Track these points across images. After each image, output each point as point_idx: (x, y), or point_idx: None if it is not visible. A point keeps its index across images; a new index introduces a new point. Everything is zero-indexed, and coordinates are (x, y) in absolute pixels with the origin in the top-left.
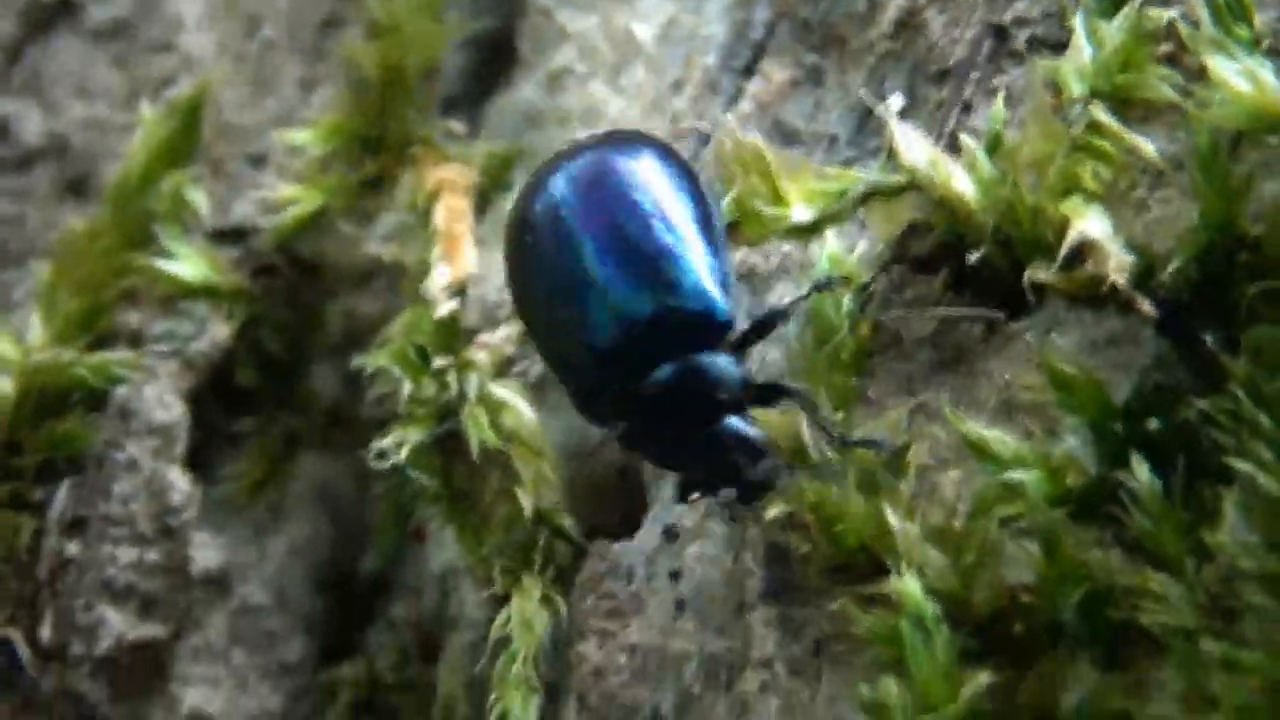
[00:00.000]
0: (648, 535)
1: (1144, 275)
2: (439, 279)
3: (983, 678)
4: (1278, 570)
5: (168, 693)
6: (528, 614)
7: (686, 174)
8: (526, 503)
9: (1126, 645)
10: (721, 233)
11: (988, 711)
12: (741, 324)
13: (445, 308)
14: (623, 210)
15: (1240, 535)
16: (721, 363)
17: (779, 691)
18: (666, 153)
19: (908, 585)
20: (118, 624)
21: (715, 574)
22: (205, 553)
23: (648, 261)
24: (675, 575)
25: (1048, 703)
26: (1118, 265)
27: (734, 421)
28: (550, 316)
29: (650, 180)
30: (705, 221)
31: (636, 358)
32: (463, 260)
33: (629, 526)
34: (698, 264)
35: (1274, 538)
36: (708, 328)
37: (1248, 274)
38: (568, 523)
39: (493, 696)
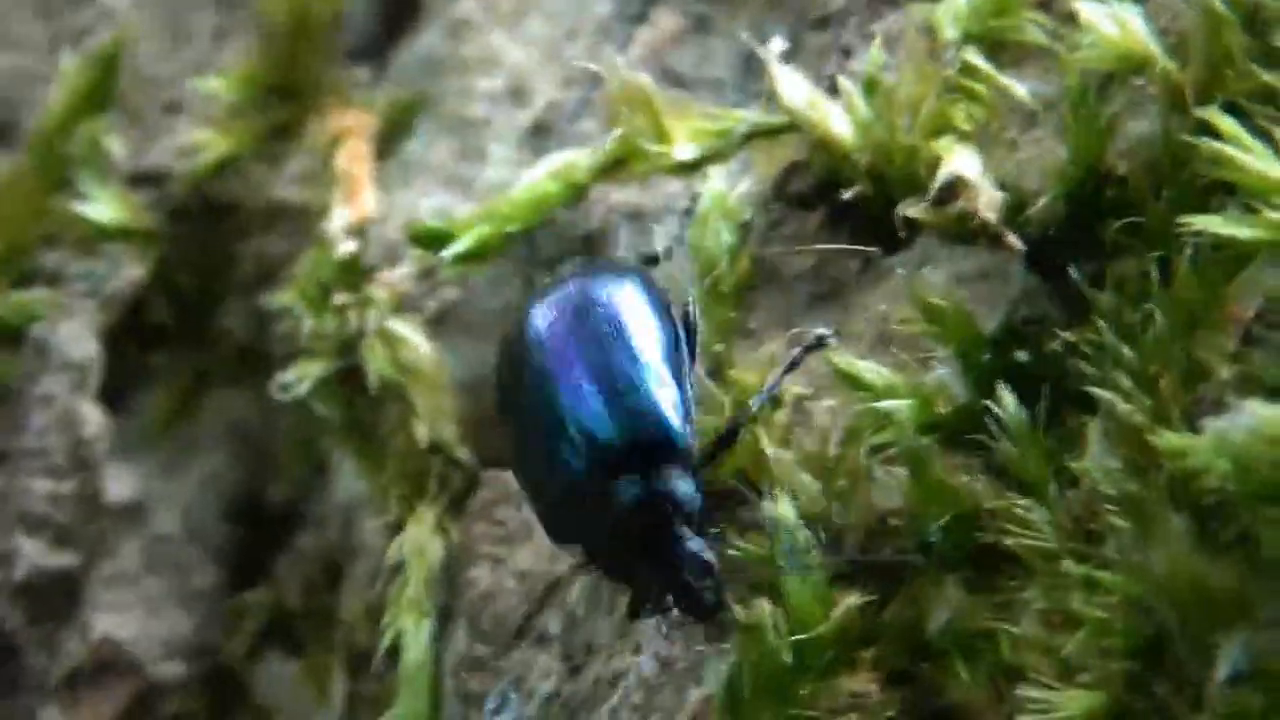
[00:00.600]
0: None
1: (1013, 212)
2: (339, 220)
3: (852, 599)
4: (1137, 494)
5: (81, 618)
6: (421, 541)
7: (659, 303)
8: (422, 433)
9: (991, 567)
10: (685, 360)
11: (858, 631)
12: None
13: (345, 247)
14: (595, 344)
15: (1102, 461)
16: (681, 485)
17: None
18: (642, 283)
19: (782, 510)
20: (33, 553)
21: None
22: (118, 484)
23: (615, 392)
24: None
25: (915, 622)
26: (988, 202)
27: (690, 542)
28: (527, 438)
29: (624, 314)
30: (672, 351)
31: (601, 480)
32: (363, 202)
33: None
34: (661, 394)
35: (1134, 463)
36: (666, 452)
37: (1113, 210)
38: (462, 453)
39: (386, 619)
